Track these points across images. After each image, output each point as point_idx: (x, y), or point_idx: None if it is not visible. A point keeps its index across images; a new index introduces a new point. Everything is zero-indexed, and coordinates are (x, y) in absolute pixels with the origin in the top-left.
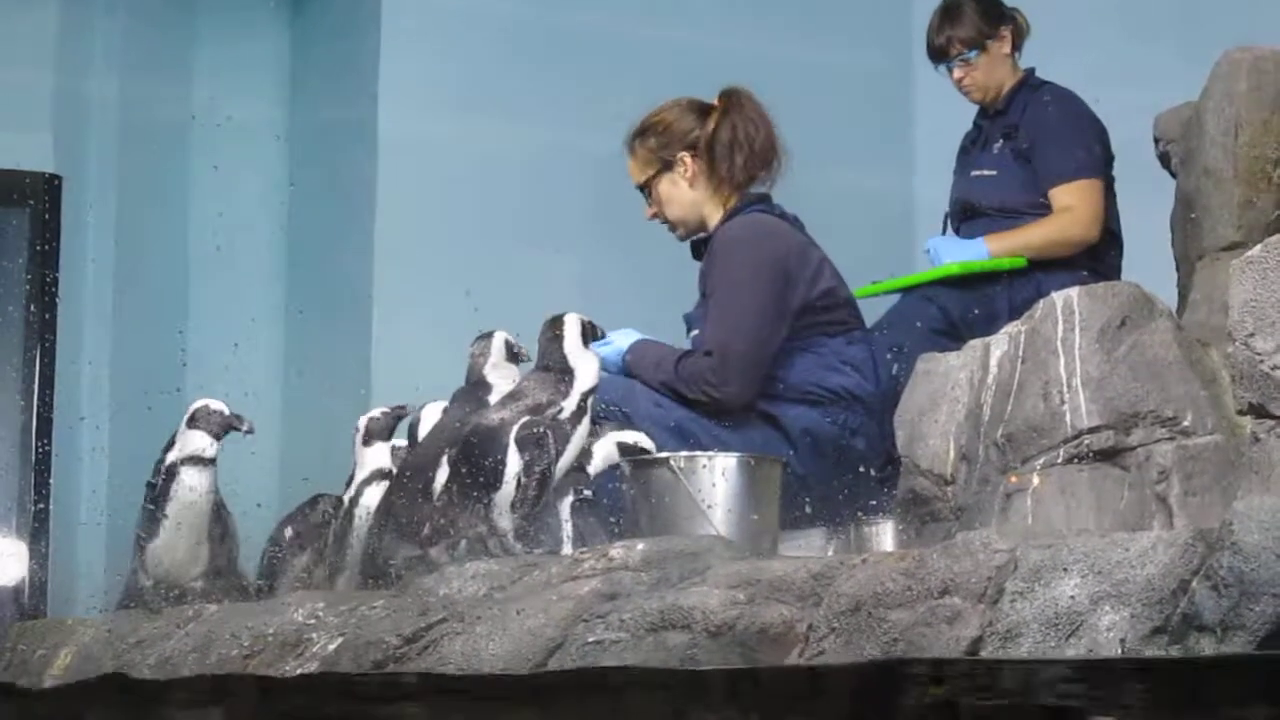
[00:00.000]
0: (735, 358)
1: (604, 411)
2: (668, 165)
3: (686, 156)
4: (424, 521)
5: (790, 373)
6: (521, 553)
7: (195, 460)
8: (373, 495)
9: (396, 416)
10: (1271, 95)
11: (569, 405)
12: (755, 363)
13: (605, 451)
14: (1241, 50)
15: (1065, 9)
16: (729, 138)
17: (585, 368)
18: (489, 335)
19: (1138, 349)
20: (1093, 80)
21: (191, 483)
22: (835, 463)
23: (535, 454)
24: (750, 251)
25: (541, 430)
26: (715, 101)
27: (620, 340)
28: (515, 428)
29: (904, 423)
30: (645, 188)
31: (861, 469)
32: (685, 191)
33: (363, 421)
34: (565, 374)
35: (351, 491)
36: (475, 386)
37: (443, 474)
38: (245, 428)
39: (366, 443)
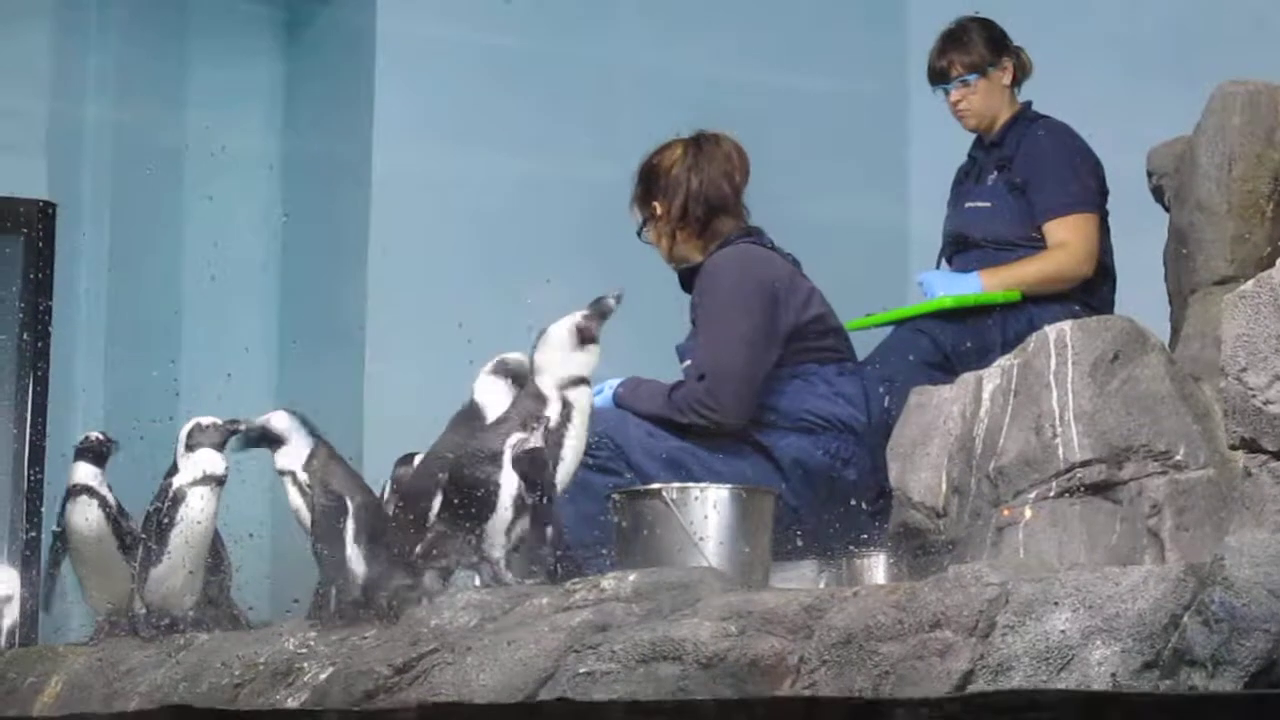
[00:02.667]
0: (727, 379)
1: (596, 442)
2: (651, 214)
3: (657, 206)
4: (417, 549)
5: (781, 399)
6: (514, 582)
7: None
8: (197, 496)
9: (226, 431)
10: (1265, 129)
11: (553, 411)
12: (748, 384)
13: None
14: (1235, 84)
15: (1060, 43)
16: (685, 188)
17: (575, 367)
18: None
19: (1130, 383)
20: (1087, 114)
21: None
22: (827, 493)
23: (533, 473)
24: (736, 277)
25: (535, 448)
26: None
27: (605, 391)
28: (508, 449)
29: (896, 455)
30: (641, 234)
31: (853, 500)
32: (665, 236)
33: (187, 427)
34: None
35: (172, 491)
36: (472, 409)
37: (438, 501)
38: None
39: (189, 449)
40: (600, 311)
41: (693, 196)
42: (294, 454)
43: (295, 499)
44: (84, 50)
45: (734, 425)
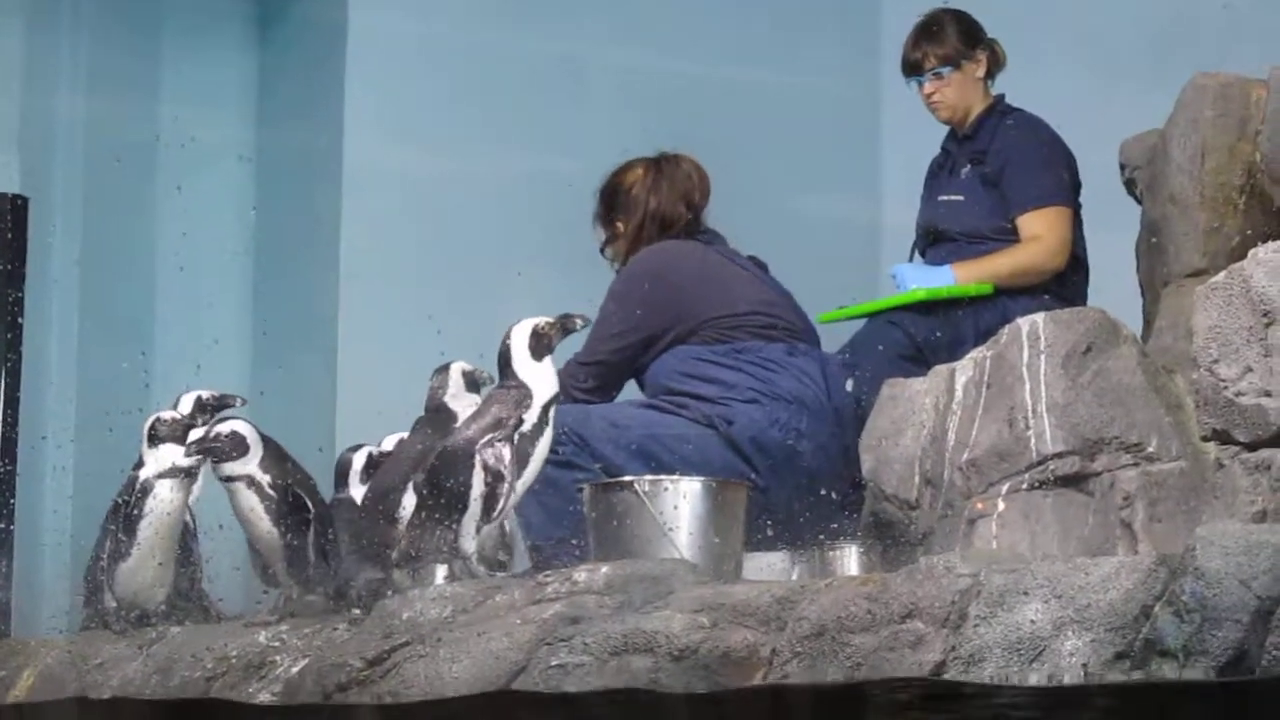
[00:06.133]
0: (582, 368)
1: (558, 437)
2: (613, 234)
3: (619, 225)
4: (388, 545)
5: (730, 374)
6: (485, 575)
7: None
8: (164, 489)
9: (187, 425)
10: (1237, 122)
11: (530, 419)
12: (599, 372)
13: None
14: (1207, 76)
15: (1032, 36)
16: (635, 205)
17: (540, 379)
18: (446, 367)
19: (1103, 375)
20: (1060, 107)
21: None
22: (787, 468)
23: (497, 473)
24: (630, 280)
25: (501, 449)
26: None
27: None
28: (478, 446)
29: (869, 447)
30: (604, 253)
31: (815, 475)
32: (622, 253)
33: (150, 421)
34: (524, 389)
35: (139, 484)
36: (436, 412)
37: (407, 498)
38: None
39: (152, 444)
40: (564, 327)
41: (650, 216)
42: (249, 458)
43: (250, 500)
44: (56, 44)
45: (590, 401)
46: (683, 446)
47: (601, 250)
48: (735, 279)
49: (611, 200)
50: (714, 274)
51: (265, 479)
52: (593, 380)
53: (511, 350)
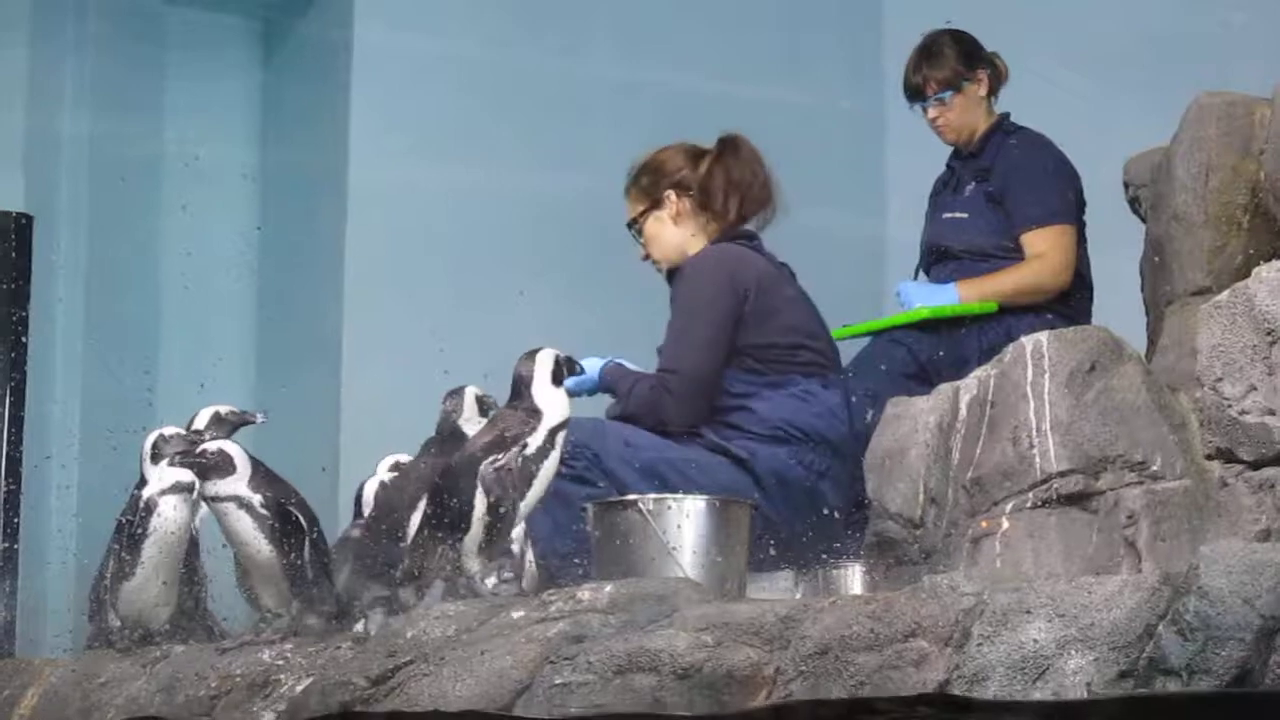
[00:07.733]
0: (681, 382)
1: (572, 451)
2: (656, 203)
3: (673, 194)
4: (394, 563)
5: (760, 408)
6: (489, 594)
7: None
8: (168, 507)
9: (190, 441)
10: (1241, 140)
11: (535, 441)
12: (700, 387)
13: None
14: (1212, 95)
15: (1036, 53)
16: (723, 181)
17: (553, 404)
18: (460, 390)
19: (1107, 393)
20: (1064, 125)
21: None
22: (804, 505)
23: (498, 493)
24: (709, 277)
25: (504, 468)
26: (712, 146)
27: (592, 365)
28: (481, 466)
29: (873, 466)
30: (635, 225)
31: (827, 512)
32: (670, 229)
33: (151, 439)
34: (533, 411)
35: (143, 502)
36: (447, 436)
37: (415, 517)
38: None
39: (154, 462)
40: (573, 367)
41: (734, 187)
42: (237, 478)
43: (243, 521)
44: (60, 62)
45: (681, 426)
46: (691, 469)
47: (632, 224)
48: (788, 305)
49: (659, 173)
50: (771, 294)
51: (256, 499)
52: (686, 403)
53: (535, 374)
